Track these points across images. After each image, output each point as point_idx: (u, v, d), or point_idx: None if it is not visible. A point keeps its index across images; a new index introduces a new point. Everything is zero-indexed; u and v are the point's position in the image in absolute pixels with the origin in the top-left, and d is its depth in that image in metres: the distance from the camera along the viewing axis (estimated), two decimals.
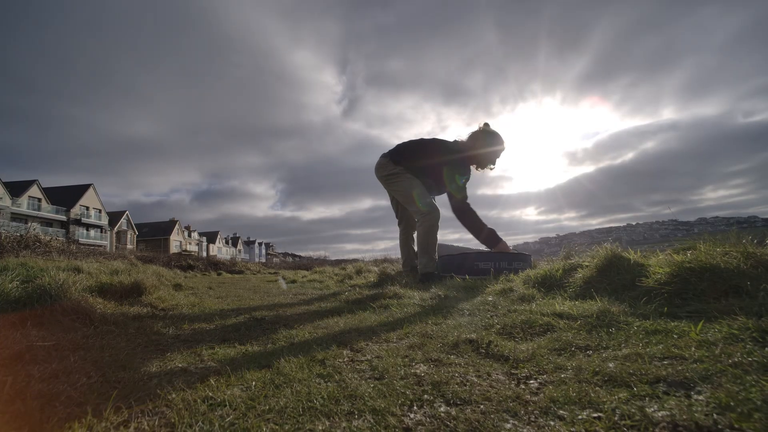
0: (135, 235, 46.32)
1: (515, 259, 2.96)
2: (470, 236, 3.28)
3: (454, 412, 0.69)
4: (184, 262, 9.38)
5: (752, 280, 1.28)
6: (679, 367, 0.80)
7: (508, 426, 0.64)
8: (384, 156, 3.46)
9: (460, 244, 3.80)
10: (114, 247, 38.51)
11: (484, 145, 3.27)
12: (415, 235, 3.55)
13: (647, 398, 0.69)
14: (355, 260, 8.94)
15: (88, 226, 39.08)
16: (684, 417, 0.61)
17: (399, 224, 3.80)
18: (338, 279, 4.24)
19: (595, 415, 0.65)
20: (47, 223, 34.53)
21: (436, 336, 1.23)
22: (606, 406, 0.67)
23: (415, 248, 3.51)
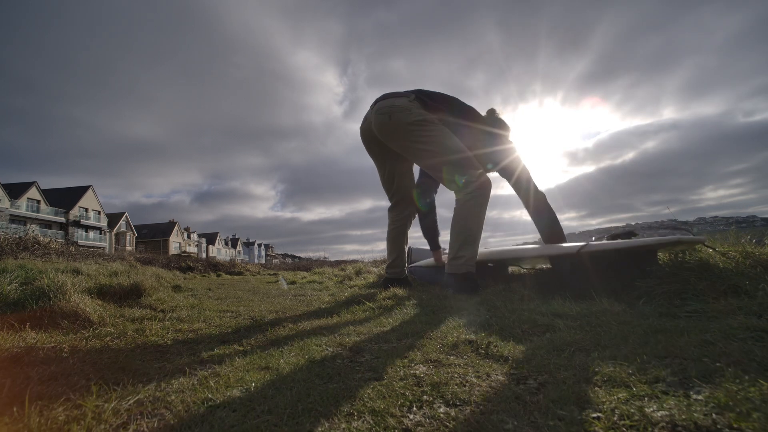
0: (134, 237, 46.29)
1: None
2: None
3: (453, 413, 0.69)
4: (184, 263, 9.37)
5: (751, 280, 1.29)
6: (678, 367, 0.80)
7: (508, 426, 0.64)
8: (403, 95, 2.29)
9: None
10: (113, 249, 38.48)
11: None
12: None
13: (646, 398, 0.70)
14: (354, 261, 8.93)
15: (87, 228, 39.04)
16: (683, 417, 0.61)
17: (391, 209, 2.77)
18: (338, 280, 4.23)
19: (595, 415, 0.65)
20: (46, 224, 34.47)
21: (436, 336, 1.22)
22: (605, 406, 0.67)
23: (407, 246, 2.83)
